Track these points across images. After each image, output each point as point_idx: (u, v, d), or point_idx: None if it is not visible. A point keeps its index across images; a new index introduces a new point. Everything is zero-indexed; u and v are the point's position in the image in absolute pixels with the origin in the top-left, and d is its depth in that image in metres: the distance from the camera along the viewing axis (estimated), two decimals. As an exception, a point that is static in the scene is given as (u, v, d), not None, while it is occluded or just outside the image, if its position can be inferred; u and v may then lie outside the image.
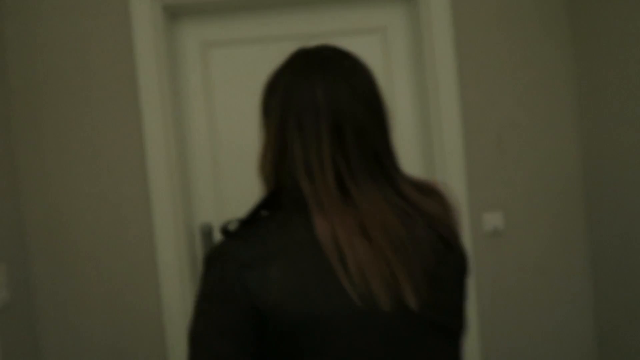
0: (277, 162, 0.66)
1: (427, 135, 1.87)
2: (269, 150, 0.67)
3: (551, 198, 1.84)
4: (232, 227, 0.67)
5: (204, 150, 1.90)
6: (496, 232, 1.84)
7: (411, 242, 0.63)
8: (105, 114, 1.76)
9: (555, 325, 1.86)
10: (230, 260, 0.61)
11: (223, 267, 0.61)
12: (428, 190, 0.70)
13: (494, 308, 1.84)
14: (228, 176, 1.91)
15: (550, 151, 1.84)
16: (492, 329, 1.84)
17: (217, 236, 1.92)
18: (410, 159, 1.91)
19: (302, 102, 0.64)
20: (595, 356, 1.87)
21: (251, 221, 0.65)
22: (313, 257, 0.59)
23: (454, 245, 0.68)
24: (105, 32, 1.74)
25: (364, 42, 1.90)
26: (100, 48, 1.74)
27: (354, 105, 0.64)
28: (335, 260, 0.59)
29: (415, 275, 0.62)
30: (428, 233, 0.65)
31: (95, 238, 1.76)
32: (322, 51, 0.68)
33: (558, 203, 1.85)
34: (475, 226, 1.83)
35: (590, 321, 1.86)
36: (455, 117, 1.80)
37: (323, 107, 0.63)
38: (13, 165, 1.71)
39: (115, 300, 1.77)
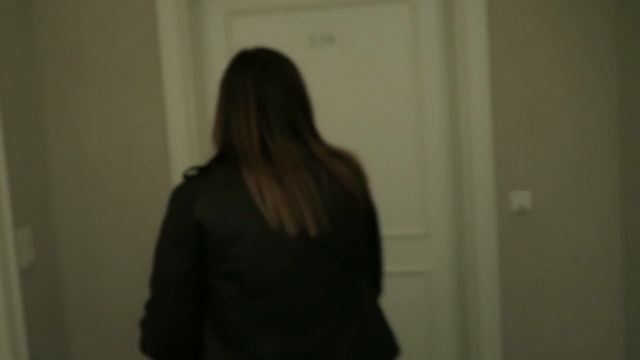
0: (222, 131, 0.92)
1: (454, 109, 1.80)
2: (218, 123, 0.94)
3: (584, 178, 1.75)
4: (190, 173, 0.91)
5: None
6: (523, 212, 1.76)
7: (316, 189, 0.87)
8: (129, 80, 1.77)
9: (582, 312, 1.78)
10: (185, 194, 0.88)
11: (180, 198, 0.88)
12: (340, 155, 0.94)
13: (516, 291, 1.78)
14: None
15: (585, 128, 1.73)
16: (514, 312, 1.78)
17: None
18: (435, 132, 1.85)
19: (237, 89, 0.90)
20: (624, 345, 1.78)
21: (204, 170, 0.91)
22: (241, 193, 0.85)
23: (357, 198, 0.92)
24: (130, 2, 1.74)
25: (392, 11, 1.83)
26: (125, 17, 1.74)
27: (275, 89, 0.89)
28: (256, 196, 0.84)
29: (317, 211, 0.85)
30: (332, 185, 0.89)
31: (120, 197, 1.79)
32: (255, 52, 0.95)
33: (591, 183, 1.75)
34: (501, 205, 1.76)
35: (621, 311, 1.77)
36: (485, 91, 1.72)
37: (251, 92, 0.89)
38: (42, 128, 1.75)
39: (141, 256, 1.81)
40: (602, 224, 1.76)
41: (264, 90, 0.89)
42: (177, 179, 1.76)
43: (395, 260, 1.88)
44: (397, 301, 1.90)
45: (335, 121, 1.86)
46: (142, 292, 1.80)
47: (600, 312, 1.78)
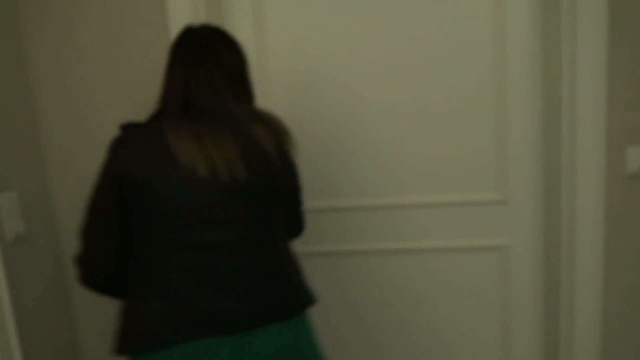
0: (161, 93, 1.06)
1: (551, 28, 1.33)
2: (161, 86, 1.07)
3: None
4: (126, 125, 1.02)
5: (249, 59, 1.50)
6: (642, 174, 1.32)
7: (232, 143, 0.98)
8: (129, 13, 1.39)
9: None
10: (116, 143, 0.99)
11: (112, 147, 1.00)
12: (263, 118, 1.04)
13: (625, 275, 1.37)
14: (276, 93, 1.51)
15: None
16: (621, 303, 1.39)
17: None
18: (519, 61, 1.40)
19: (174, 62, 1.04)
20: None
21: (138, 124, 1.02)
22: (161, 143, 0.97)
23: (271, 156, 1.01)
24: None
25: None
26: None
27: (206, 68, 1.02)
28: (174, 144, 0.96)
29: (231, 160, 0.97)
30: (248, 142, 1.00)
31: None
32: (198, 29, 1.07)
33: None
34: (612, 164, 1.32)
35: None
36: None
37: (181, 66, 1.03)
38: (26, 72, 1.42)
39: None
40: None
41: (194, 69, 1.02)
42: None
43: (463, 232, 1.50)
44: (464, 282, 1.54)
45: (398, 57, 1.43)
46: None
47: None
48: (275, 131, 1.03)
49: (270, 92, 1.51)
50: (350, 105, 1.48)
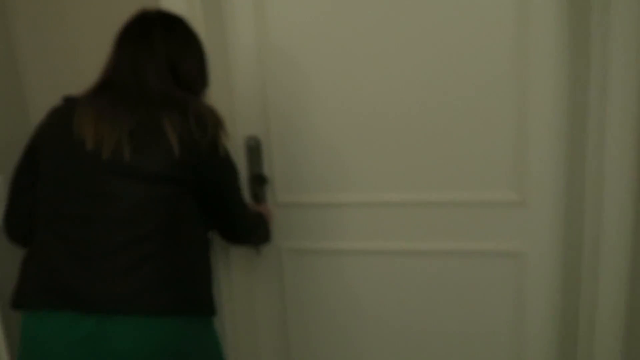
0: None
1: None
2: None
3: None
4: (63, 97, 1.08)
5: (249, 51, 1.41)
6: (681, 178, 1.16)
7: (127, 120, 0.98)
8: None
9: None
10: (47, 112, 1.09)
11: (43, 116, 1.10)
12: (185, 105, 1.01)
13: (656, 290, 1.22)
14: (278, 83, 1.41)
15: None
16: (648, 318, 1.23)
17: (266, 151, 1.47)
18: (542, 31, 1.25)
19: (113, 44, 1.08)
20: None
21: (71, 97, 1.08)
22: (68, 116, 1.02)
23: (172, 140, 0.97)
24: None
25: None
26: None
27: (136, 48, 1.05)
28: (75, 119, 1.00)
29: (119, 137, 0.97)
30: (149, 122, 0.98)
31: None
32: (145, 14, 1.09)
33: None
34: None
35: None
36: None
37: (115, 49, 1.08)
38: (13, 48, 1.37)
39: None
40: None
41: (124, 52, 1.05)
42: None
43: (474, 234, 1.37)
44: (474, 290, 1.41)
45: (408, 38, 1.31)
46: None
47: None
48: (196, 120, 1.00)
49: (272, 87, 1.42)
50: (356, 98, 1.37)
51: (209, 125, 1.01)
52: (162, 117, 0.98)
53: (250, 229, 1.26)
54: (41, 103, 1.42)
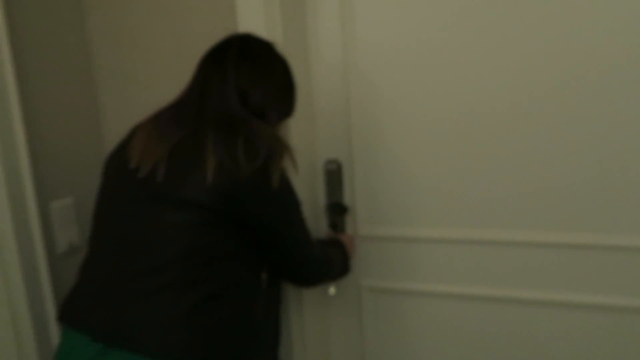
0: None
1: None
2: None
3: None
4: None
5: (334, 71, 1.25)
6: None
7: (170, 141, 0.90)
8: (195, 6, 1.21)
9: None
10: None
11: None
12: (231, 125, 0.90)
13: None
14: (363, 106, 1.24)
15: None
16: None
17: (348, 178, 1.31)
18: None
19: (196, 67, 1.02)
20: None
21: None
22: (129, 136, 0.99)
23: (208, 167, 0.85)
24: None
25: None
26: None
27: (211, 73, 0.98)
28: (131, 138, 0.97)
29: (158, 158, 0.89)
30: (192, 146, 0.89)
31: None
32: (230, 40, 1.00)
33: None
34: None
35: None
36: None
37: (195, 73, 1.00)
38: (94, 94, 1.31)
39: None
40: None
41: (206, 77, 0.98)
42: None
43: (621, 287, 1.11)
44: (616, 355, 1.15)
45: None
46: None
47: None
48: (246, 143, 0.87)
49: (356, 110, 1.26)
50: (449, 125, 1.17)
51: (262, 149, 0.87)
52: (208, 135, 0.88)
53: (321, 271, 1.09)
54: (116, 127, 1.35)
